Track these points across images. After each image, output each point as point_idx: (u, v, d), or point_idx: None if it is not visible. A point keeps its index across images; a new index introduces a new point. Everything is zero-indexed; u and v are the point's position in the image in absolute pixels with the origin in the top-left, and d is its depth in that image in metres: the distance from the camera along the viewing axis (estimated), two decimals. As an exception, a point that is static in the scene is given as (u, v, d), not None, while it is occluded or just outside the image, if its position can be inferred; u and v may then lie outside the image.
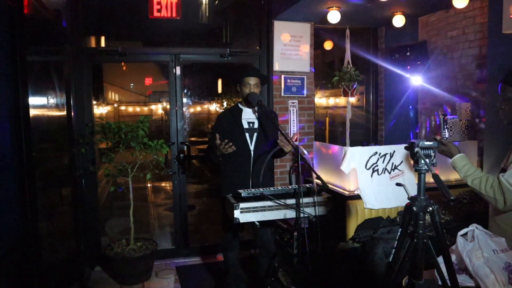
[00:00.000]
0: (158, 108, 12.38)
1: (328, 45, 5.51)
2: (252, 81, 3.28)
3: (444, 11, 4.55)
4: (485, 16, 3.97)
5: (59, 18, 3.47)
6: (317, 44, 4.90)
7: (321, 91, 8.02)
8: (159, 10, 4.24)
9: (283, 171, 4.69)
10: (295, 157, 4.49)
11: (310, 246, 2.43)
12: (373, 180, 3.61)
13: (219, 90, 10.04)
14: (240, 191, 2.60)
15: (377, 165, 3.63)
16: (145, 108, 12.50)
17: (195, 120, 11.57)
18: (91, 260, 4.33)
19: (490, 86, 3.42)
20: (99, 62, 5.40)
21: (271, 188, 2.71)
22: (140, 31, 4.89)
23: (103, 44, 4.85)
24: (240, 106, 3.40)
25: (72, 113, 3.83)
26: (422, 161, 1.87)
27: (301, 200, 2.44)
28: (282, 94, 4.63)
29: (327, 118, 7.33)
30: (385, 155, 3.65)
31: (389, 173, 3.67)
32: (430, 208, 1.87)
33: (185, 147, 4.54)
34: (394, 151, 3.67)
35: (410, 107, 5.15)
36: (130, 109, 12.27)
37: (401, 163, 3.69)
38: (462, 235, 2.23)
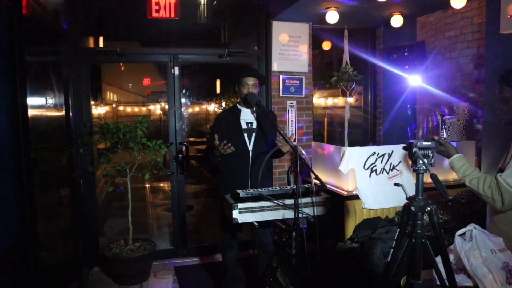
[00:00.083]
0: (156, 109, 12.37)
1: (326, 45, 5.52)
2: (251, 81, 3.28)
3: (442, 12, 4.56)
4: (482, 16, 3.98)
5: (57, 19, 3.47)
6: (315, 44, 4.91)
7: (320, 91, 8.03)
8: (157, 11, 4.24)
9: (281, 171, 4.69)
10: (293, 158, 4.49)
11: (309, 246, 2.43)
12: (372, 180, 3.62)
13: (218, 90, 10.05)
14: (239, 191, 2.60)
15: (375, 165, 3.63)
16: (144, 109, 12.50)
17: (194, 120, 11.57)
18: (89, 260, 4.32)
19: (487, 86, 3.42)
20: (97, 62, 5.40)
21: (270, 189, 2.71)
22: (138, 32, 4.89)
23: (101, 44, 4.84)
24: (239, 106, 3.40)
25: (71, 114, 3.83)
26: (420, 161, 1.88)
27: (299, 200, 2.44)
28: (281, 94, 4.63)
29: (326, 118, 7.34)
30: (383, 155, 3.65)
31: (387, 173, 3.67)
32: (428, 208, 1.88)
33: (184, 148, 4.54)
34: (392, 151, 3.68)
35: (408, 107, 5.16)
36: (129, 109, 12.26)
37: (399, 163, 3.69)
38: (460, 235, 2.24)
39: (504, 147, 2.42)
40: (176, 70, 4.48)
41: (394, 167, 3.69)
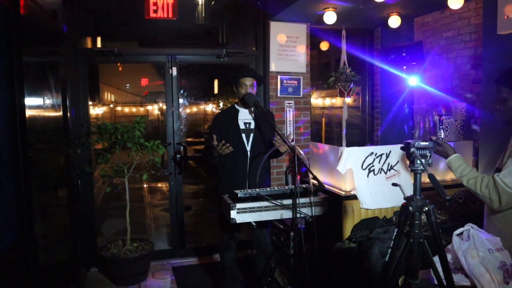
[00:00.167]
0: (154, 109, 12.34)
1: (324, 45, 5.53)
2: (248, 81, 3.28)
3: (440, 12, 4.58)
4: (480, 17, 3.99)
5: (55, 19, 3.46)
6: (313, 44, 4.92)
7: (318, 92, 8.03)
8: (155, 11, 4.23)
9: (279, 172, 4.70)
10: (291, 158, 4.49)
11: (307, 246, 2.43)
12: (369, 180, 3.62)
13: (216, 90, 10.03)
14: (237, 191, 2.61)
15: (373, 165, 3.64)
16: (141, 109, 12.46)
17: (192, 120, 11.54)
18: (87, 261, 4.31)
19: (485, 86, 3.43)
20: (95, 62, 5.39)
21: (268, 189, 2.71)
22: (136, 32, 4.89)
23: (99, 44, 4.84)
24: (237, 106, 3.40)
25: (68, 114, 3.82)
26: (418, 161, 1.88)
27: (297, 200, 2.45)
28: (279, 95, 4.63)
29: (324, 119, 7.35)
30: (381, 155, 3.66)
31: (385, 173, 3.68)
32: (426, 208, 1.89)
33: (182, 148, 4.54)
34: (390, 151, 3.69)
35: (406, 107, 5.17)
36: (126, 109, 12.22)
37: (397, 163, 3.70)
38: (457, 235, 2.25)
39: (502, 147, 2.43)
40: (174, 71, 4.48)
41: (392, 167, 3.70)
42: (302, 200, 2.52)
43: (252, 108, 3.29)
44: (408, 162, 1.97)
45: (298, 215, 2.45)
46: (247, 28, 4.85)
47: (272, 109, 4.55)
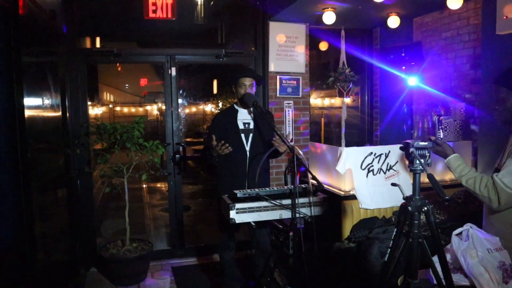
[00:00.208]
0: (153, 109, 12.33)
1: (323, 46, 5.53)
2: (247, 81, 3.28)
3: (439, 12, 4.58)
4: (479, 17, 4.00)
5: (54, 19, 3.46)
6: (312, 45, 4.92)
7: (317, 92, 8.04)
8: (154, 11, 4.24)
9: (278, 172, 4.70)
10: (290, 158, 4.49)
11: (306, 246, 2.43)
12: (368, 180, 3.63)
13: (215, 91, 10.04)
14: (236, 191, 2.60)
15: (372, 165, 3.64)
16: (141, 109, 12.45)
17: (191, 121, 11.55)
18: (87, 261, 4.31)
19: (484, 86, 3.44)
20: (94, 62, 5.37)
21: (267, 189, 2.71)
22: (135, 32, 4.88)
23: (98, 44, 4.83)
24: (236, 107, 3.40)
25: (67, 114, 3.81)
26: (417, 161, 1.89)
27: (297, 200, 2.45)
28: (278, 95, 4.63)
29: (323, 119, 7.35)
30: (380, 155, 3.66)
31: (384, 173, 3.68)
32: (425, 208, 1.89)
33: (181, 148, 4.54)
34: (389, 151, 3.69)
35: (405, 107, 5.17)
36: (126, 110, 12.21)
37: (396, 163, 3.70)
38: (456, 235, 2.25)
39: (500, 147, 2.44)
40: (173, 71, 4.48)
41: (391, 167, 3.70)
42: (301, 200, 2.52)
43: (251, 108, 3.29)
44: (407, 162, 1.97)
45: (297, 215, 2.45)
46: (246, 28, 4.85)
47: (271, 109, 4.56)
